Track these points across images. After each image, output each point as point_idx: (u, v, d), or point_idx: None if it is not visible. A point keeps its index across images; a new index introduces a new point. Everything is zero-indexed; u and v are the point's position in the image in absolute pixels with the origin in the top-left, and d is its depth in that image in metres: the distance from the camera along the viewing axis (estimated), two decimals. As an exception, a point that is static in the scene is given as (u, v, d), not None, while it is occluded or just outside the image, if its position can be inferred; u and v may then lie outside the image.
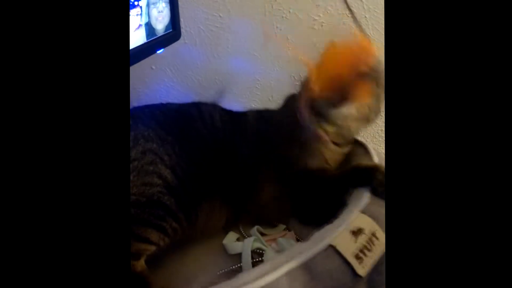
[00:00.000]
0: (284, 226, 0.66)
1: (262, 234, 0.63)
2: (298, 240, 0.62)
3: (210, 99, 0.94)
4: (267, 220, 0.66)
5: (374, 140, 0.97)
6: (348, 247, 0.42)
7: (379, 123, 0.95)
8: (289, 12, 0.85)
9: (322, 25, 0.86)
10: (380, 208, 0.48)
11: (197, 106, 0.67)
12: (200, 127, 0.63)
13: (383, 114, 0.94)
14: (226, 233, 0.64)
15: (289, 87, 0.84)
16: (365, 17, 0.84)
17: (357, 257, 0.42)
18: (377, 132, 0.96)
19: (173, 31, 0.68)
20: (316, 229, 0.47)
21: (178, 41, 0.85)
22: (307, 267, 0.41)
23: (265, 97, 0.95)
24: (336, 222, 0.46)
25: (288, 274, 0.39)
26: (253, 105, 0.95)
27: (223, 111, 0.69)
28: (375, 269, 0.46)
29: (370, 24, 0.84)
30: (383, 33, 0.85)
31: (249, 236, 0.61)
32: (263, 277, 0.38)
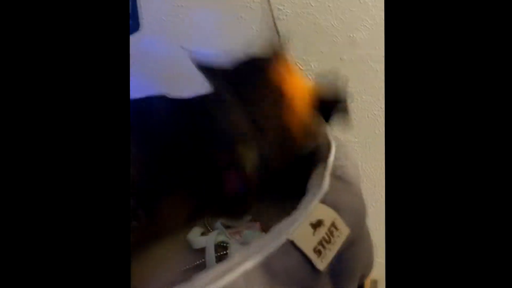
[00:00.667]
0: (249, 217, 0.65)
1: (227, 227, 0.62)
2: (264, 231, 0.61)
3: (173, 91, 0.92)
4: (232, 211, 0.65)
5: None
6: (307, 241, 0.41)
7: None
8: (253, 1, 0.84)
9: (286, 15, 0.85)
10: (340, 195, 0.48)
11: (150, 100, 0.65)
12: (155, 120, 0.62)
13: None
14: (191, 228, 0.63)
15: (255, 78, 0.84)
16: (329, 6, 0.83)
17: (316, 251, 0.41)
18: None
19: (131, 22, 0.65)
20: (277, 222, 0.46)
21: (139, 33, 0.83)
22: (265, 265, 0.39)
23: (231, 88, 0.93)
24: (295, 214, 0.45)
25: (245, 275, 0.37)
26: (220, 97, 0.93)
27: (173, 102, 0.67)
28: (335, 259, 0.44)
29: (334, 13, 0.84)
30: (346, 22, 0.85)
31: (214, 229, 0.61)
32: (219, 279, 0.36)
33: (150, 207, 0.55)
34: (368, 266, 0.56)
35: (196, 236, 0.60)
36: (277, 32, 0.58)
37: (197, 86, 0.93)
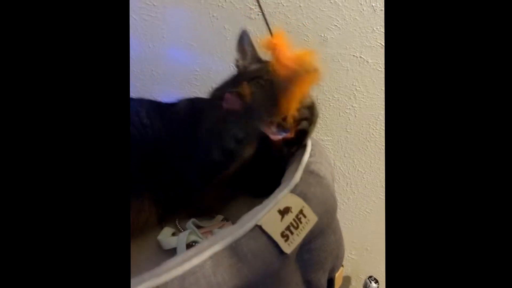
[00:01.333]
0: (222, 217, 0.65)
1: (199, 227, 0.62)
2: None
3: (147, 92, 0.91)
4: (205, 211, 0.65)
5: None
6: (274, 226, 0.42)
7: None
8: (225, 1, 0.84)
9: (258, 14, 0.85)
10: (310, 186, 0.49)
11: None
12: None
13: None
14: (162, 228, 0.62)
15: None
16: (300, 6, 0.84)
17: (283, 235, 0.42)
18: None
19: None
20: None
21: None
22: (232, 248, 0.40)
23: (204, 89, 0.93)
24: (265, 202, 0.46)
25: (213, 257, 0.38)
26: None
27: (152, 105, 0.66)
28: (304, 248, 0.46)
29: (305, 13, 0.85)
30: (317, 22, 0.86)
31: (185, 230, 0.60)
32: (186, 262, 0.37)
33: None
34: (338, 258, 0.57)
35: (166, 237, 0.59)
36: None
37: (168, 86, 0.93)
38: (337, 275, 0.65)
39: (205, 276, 0.37)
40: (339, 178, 1.08)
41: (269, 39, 0.51)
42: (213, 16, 0.85)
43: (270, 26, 0.63)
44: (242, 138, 0.52)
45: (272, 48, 0.50)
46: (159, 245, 0.59)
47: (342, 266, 0.94)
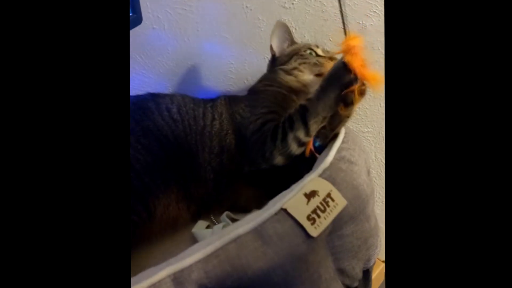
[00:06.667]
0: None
1: (233, 220, 0.61)
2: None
3: (183, 85, 0.92)
4: (241, 206, 0.64)
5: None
6: (299, 208, 0.42)
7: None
8: (259, -9, 0.82)
9: (293, 3, 0.83)
10: (339, 171, 0.48)
11: (154, 99, 0.65)
12: (158, 120, 0.62)
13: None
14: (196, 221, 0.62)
15: (263, 69, 0.82)
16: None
17: (310, 218, 0.42)
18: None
19: (133, 15, 0.64)
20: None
21: (147, 27, 0.82)
22: (257, 232, 0.40)
23: (239, 81, 0.93)
24: (292, 187, 0.46)
25: (236, 240, 0.39)
26: (229, 89, 0.93)
27: (184, 100, 0.67)
28: (336, 235, 0.46)
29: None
30: (355, 9, 0.83)
31: (220, 223, 0.60)
32: (210, 245, 0.38)
33: (147, 203, 0.56)
34: (375, 248, 0.54)
35: (201, 230, 0.60)
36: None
37: (203, 79, 0.93)
38: (376, 273, 0.62)
39: (229, 258, 0.38)
40: (380, 171, 1.04)
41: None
42: (246, 7, 0.84)
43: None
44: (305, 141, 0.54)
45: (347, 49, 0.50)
46: (194, 238, 0.59)
47: (383, 262, 0.90)
